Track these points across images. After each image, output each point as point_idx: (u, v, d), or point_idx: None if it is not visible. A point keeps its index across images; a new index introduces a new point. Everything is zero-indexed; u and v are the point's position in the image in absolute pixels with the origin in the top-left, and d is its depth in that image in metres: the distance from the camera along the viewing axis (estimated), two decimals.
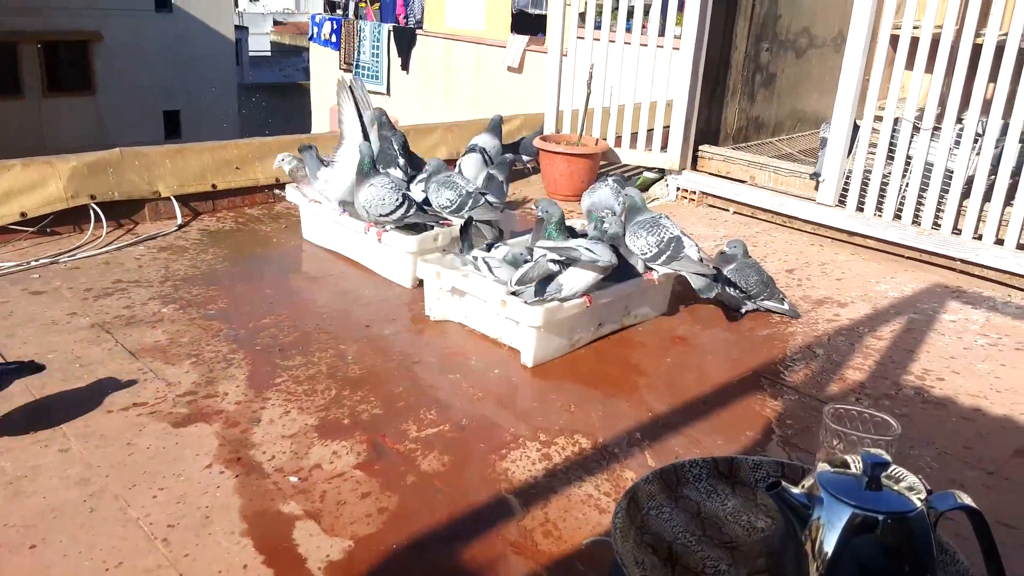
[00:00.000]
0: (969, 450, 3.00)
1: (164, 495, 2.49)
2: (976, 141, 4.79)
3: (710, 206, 6.04)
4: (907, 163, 5.06)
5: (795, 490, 1.78)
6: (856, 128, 5.31)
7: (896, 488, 1.75)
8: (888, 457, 1.79)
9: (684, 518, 2.08)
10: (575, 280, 3.46)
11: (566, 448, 2.86)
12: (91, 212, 4.69)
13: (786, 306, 4.05)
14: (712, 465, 2.23)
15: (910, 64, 4.97)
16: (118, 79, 26.86)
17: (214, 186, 5.22)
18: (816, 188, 5.52)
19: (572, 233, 3.90)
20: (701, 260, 3.81)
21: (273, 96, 33.77)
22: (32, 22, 24.99)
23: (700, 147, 6.29)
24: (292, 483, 2.58)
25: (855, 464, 1.81)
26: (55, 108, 25.97)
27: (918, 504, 1.72)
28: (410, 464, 2.72)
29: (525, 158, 6.21)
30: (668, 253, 3.77)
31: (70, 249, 4.39)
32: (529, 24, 17.24)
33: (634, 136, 6.34)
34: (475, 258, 3.77)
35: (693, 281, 3.84)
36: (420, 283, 3.94)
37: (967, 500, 1.78)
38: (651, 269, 3.84)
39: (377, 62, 18.97)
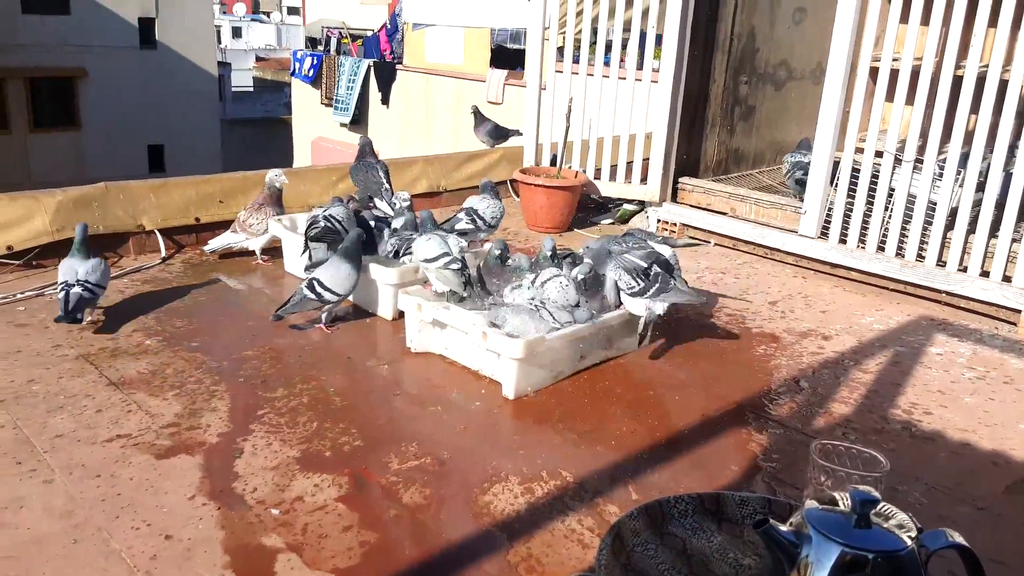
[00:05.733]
0: (959, 486, 2.97)
1: (147, 527, 2.46)
2: (959, 173, 4.78)
3: (692, 238, 6.03)
4: (890, 195, 5.05)
5: (783, 527, 1.74)
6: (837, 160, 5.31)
7: (886, 526, 1.72)
8: (877, 494, 1.76)
9: (670, 555, 2.04)
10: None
11: (548, 482, 2.82)
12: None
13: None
14: (698, 501, 2.19)
15: (890, 96, 4.98)
16: (103, 114, 26.96)
17: (198, 219, 5.19)
18: (801, 202, 5.51)
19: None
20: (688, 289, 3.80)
21: (255, 131, 33.82)
22: (18, 59, 25.13)
23: (680, 179, 6.29)
24: (274, 515, 2.55)
25: (844, 501, 1.77)
26: (40, 143, 26.06)
27: (909, 542, 1.68)
28: (392, 497, 2.69)
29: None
30: (657, 286, 3.73)
31: (55, 282, 4.32)
32: (508, 59, 17.34)
33: (614, 168, 6.33)
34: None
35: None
36: (401, 315, 3.91)
37: (959, 538, 1.74)
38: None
39: (349, 95, 19.06)
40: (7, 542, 2.37)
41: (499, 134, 7.35)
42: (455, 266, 3.82)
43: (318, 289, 3.90)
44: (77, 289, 3.85)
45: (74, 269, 3.91)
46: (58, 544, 2.37)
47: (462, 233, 4.56)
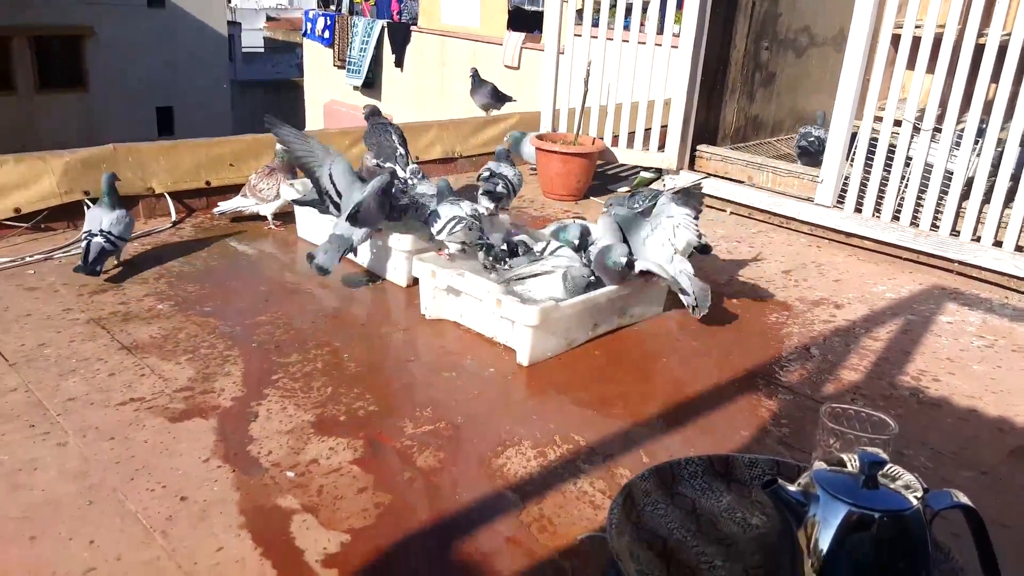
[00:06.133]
0: (964, 450, 3.03)
1: (162, 489, 2.52)
2: (976, 142, 4.81)
3: (707, 206, 6.04)
4: (906, 164, 5.08)
5: (791, 488, 1.80)
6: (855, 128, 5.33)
7: (892, 486, 1.78)
8: (885, 456, 1.82)
9: (679, 515, 2.11)
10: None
11: (561, 446, 2.89)
12: (85, 208, 4.67)
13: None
14: (707, 463, 2.27)
15: (911, 64, 4.99)
16: (110, 75, 26.87)
17: (208, 183, 5.23)
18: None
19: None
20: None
21: (266, 93, 33.66)
22: (24, 16, 24.98)
23: (698, 147, 6.32)
24: (289, 478, 2.61)
25: (851, 463, 1.84)
26: (47, 104, 25.98)
27: (914, 502, 1.74)
28: (406, 460, 2.75)
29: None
30: None
31: (64, 245, 4.40)
32: (525, 21, 17.23)
33: (631, 135, 6.36)
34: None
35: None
36: (416, 282, 3.97)
37: (964, 499, 1.80)
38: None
39: (362, 56, 18.95)
40: (23, 503, 2.43)
41: (497, 98, 7.38)
42: (460, 225, 3.88)
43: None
44: (99, 240, 3.93)
45: (99, 219, 3.99)
46: (73, 505, 2.43)
47: (498, 198, 4.61)
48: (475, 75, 7.50)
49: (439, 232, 3.93)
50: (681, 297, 3.82)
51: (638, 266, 3.73)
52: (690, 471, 2.23)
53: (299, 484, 2.59)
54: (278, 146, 4.94)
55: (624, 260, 3.62)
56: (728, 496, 2.19)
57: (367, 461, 2.74)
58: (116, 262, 4.20)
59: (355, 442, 2.84)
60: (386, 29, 18.67)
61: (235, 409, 3.00)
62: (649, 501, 2.12)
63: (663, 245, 3.84)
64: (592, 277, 3.71)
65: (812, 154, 6.15)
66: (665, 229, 3.86)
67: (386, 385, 3.28)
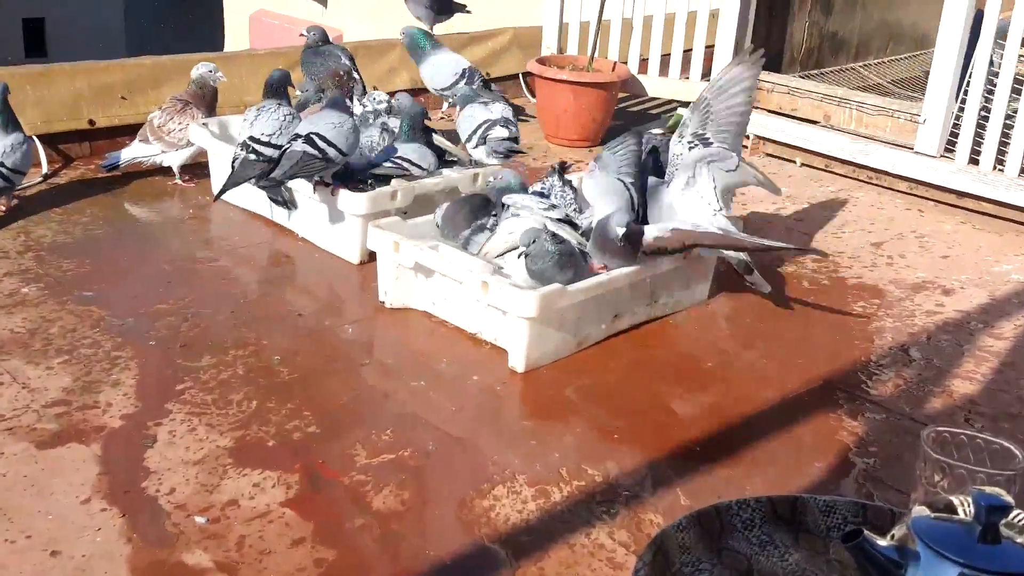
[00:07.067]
0: None
1: (26, 540, 2.50)
2: None
3: (769, 155, 6.04)
4: None
5: (881, 542, 1.79)
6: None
7: (1019, 540, 1.77)
8: (1009, 498, 1.80)
9: None
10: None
11: (569, 482, 2.88)
12: None
13: None
14: (768, 507, 2.25)
15: None
16: None
17: (92, 122, 5.21)
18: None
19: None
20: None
21: (171, 2, 33.68)
22: None
23: None
24: (199, 525, 2.59)
25: (964, 507, 1.82)
26: None
27: None
28: (358, 501, 2.74)
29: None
30: None
31: None
32: None
33: (665, 59, 6.33)
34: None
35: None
36: (372, 257, 3.95)
37: None
38: None
39: None
40: None
41: (441, 8, 7.18)
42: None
43: (320, 144, 3.95)
44: None
45: None
46: None
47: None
48: None
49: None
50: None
51: (650, 232, 3.63)
52: (745, 518, 2.21)
53: (212, 534, 2.57)
54: (196, 74, 4.86)
55: (621, 230, 3.50)
56: (796, 553, 2.17)
57: (305, 502, 2.72)
58: (5, 205, 4.26)
59: (288, 476, 2.82)
60: None
61: (126, 431, 2.98)
62: (688, 560, 2.10)
63: (700, 203, 3.80)
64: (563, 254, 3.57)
65: None
66: (701, 179, 3.82)
67: (331, 398, 3.26)
